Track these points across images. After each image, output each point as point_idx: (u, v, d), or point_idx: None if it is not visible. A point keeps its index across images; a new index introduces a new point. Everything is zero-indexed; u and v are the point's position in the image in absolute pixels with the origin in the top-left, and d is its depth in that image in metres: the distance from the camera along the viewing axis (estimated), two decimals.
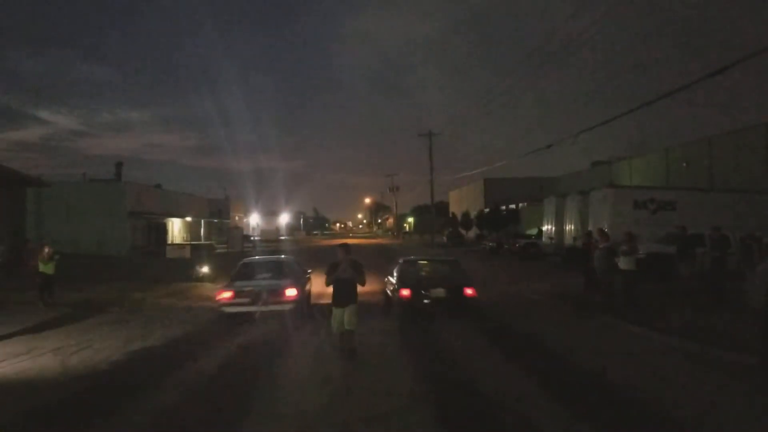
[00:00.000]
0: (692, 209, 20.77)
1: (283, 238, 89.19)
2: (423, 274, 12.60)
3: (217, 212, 64.48)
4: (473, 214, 59.47)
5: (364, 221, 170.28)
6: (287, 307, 10.84)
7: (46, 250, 14.97)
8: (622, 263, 12.81)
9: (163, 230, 43.97)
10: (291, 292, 10.95)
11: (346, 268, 8.21)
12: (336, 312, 8.15)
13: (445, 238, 55.21)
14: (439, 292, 11.25)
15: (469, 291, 11.30)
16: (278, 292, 10.90)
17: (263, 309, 10.76)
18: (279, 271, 12.46)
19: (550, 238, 27.40)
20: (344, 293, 8.17)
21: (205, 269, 21.19)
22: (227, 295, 11.03)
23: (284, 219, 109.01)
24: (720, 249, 13.37)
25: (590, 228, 19.24)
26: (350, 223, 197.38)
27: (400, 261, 13.35)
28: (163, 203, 45.78)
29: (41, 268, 14.55)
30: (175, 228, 48.53)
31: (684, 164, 35.38)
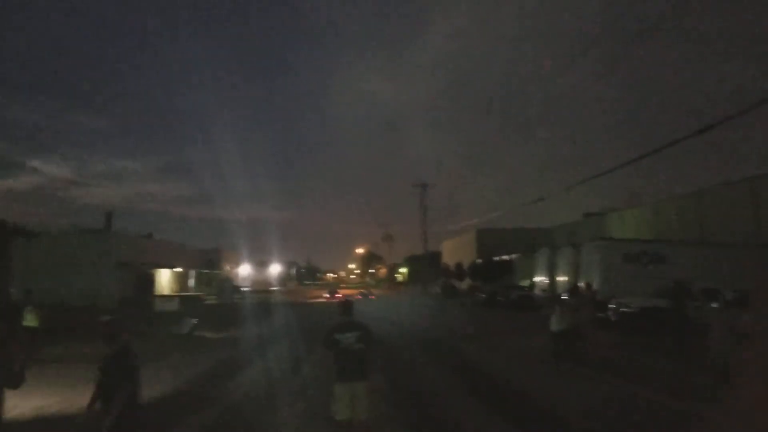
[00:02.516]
0: (683, 263, 20.92)
1: (273, 288, 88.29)
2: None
3: (208, 263, 64.10)
4: (466, 264, 59.37)
5: (357, 271, 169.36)
6: (338, 299, 30.76)
7: (29, 308, 14.62)
8: (552, 324, 12.07)
9: (150, 281, 43.36)
10: (338, 295, 44.13)
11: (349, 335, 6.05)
12: (340, 391, 5.87)
13: (438, 289, 54.77)
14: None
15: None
16: (335, 294, 48.79)
17: (333, 299, 43.38)
18: (335, 288, 64.84)
19: (543, 290, 27.40)
20: (351, 364, 5.92)
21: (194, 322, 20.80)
22: (327, 295, 49.49)
23: (276, 269, 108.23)
24: (680, 301, 13.52)
25: (580, 281, 19.26)
26: (342, 273, 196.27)
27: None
28: (153, 253, 45.43)
29: (27, 321, 14.23)
30: (164, 279, 47.97)
31: (675, 217, 35.82)
